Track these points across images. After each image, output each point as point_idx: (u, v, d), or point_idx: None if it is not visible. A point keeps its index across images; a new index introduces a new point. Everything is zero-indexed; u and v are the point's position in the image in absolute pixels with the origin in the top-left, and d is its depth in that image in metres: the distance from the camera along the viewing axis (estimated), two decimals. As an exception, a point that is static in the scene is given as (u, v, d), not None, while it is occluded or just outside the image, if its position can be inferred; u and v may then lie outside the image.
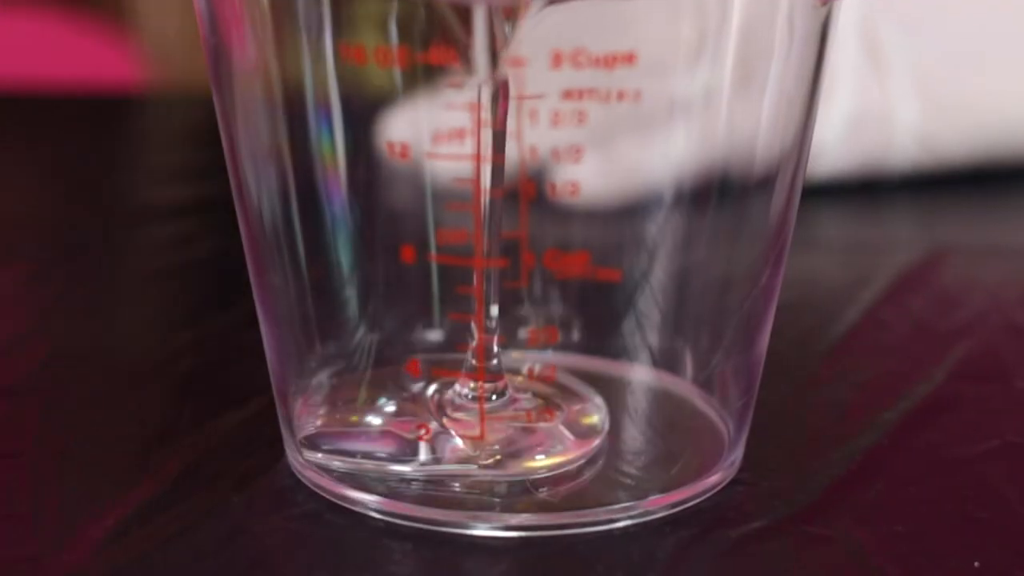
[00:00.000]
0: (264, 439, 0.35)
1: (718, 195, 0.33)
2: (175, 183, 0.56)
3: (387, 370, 0.32)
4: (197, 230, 0.51)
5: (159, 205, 0.54)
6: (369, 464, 0.32)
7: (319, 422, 0.33)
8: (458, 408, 0.32)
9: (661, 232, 0.34)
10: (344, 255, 0.34)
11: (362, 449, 0.32)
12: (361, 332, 0.34)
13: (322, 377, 0.32)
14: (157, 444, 0.35)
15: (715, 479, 0.33)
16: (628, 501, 0.32)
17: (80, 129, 0.65)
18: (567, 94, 0.30)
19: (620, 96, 0.30)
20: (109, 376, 0.39)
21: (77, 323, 0.43)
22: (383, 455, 0.32)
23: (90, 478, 0.34)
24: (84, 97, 0.70)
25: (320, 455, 0.32)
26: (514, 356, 0.33)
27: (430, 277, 0.34)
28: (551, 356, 0.32)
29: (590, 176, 0.31)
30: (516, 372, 0.33)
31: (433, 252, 0.34)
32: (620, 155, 0.33)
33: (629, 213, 0.34)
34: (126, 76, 0.88)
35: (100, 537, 0.31)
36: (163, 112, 0.71)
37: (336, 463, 0.32)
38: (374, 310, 0.34)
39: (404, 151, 0.31)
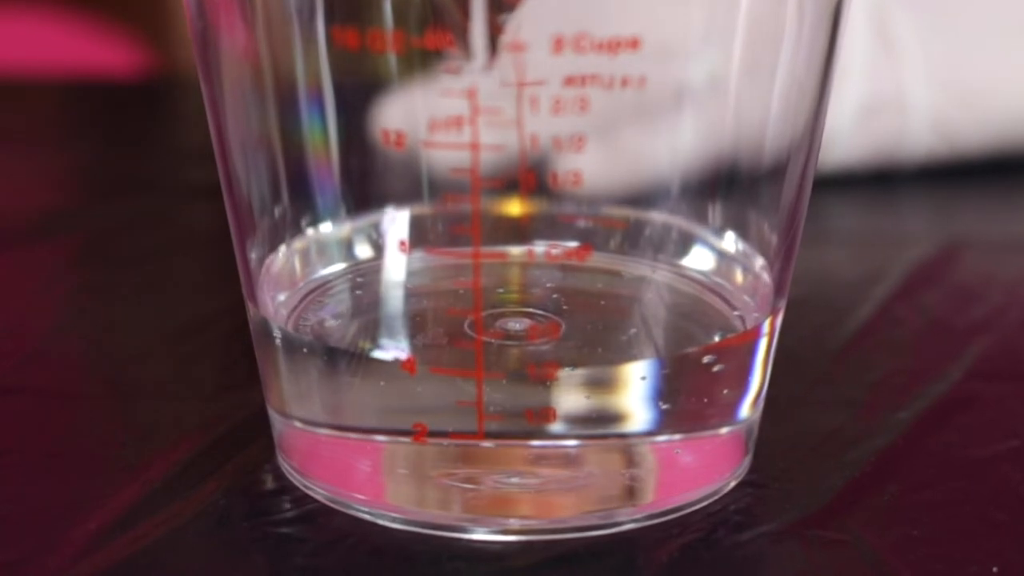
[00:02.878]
0: (254, 437, 0.35)
1: (726, 186, 0.33)
2: (190, 166, 0.56)
3: (381, 367, 0.32)
4: (189, 218, 0.51)
5: (150, 194, 0.54)
6: (361, 465, 0.32)
7: (309, 419, 0.33)
8: (456, 407, 0.32)
9: (666, 224, 0.34)
10: (337, 248, 0.34)
11: (352, 448, 0.32)
12: (355, 327, 0.33)
13: (313, 372, 0.32)
14: (144, 443, 0.35)
15: (723, 481, 0.33)
16: (632, 503, 0.32)
17: (80, 115, 0.65)
18: (569, 80, 0.30)
19: (624, 82, 0.30)
20: (96, 370, 0.39)
21: (64, 315, 0.43)
22: (375, 455, 0.32)
23: (74, 480, 0.34)
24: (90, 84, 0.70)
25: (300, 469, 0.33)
26: (514, 352, 0.33)
27: (427, 270, 0.34)
28: (552, 353, 0.32)
29: (593, 166, 0.31)
30: (516, 369, 0.33)
31: (429, 244, 0.34)
32: (624, 144, 0.33)
33: (633, 204, 0.34)
34: (139, 64, 0.89)
35: (84, 542, 0.31)
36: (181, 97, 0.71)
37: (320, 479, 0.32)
38: (368, 304, 0.34)
39: (399, 140, 0.31)
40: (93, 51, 0.89)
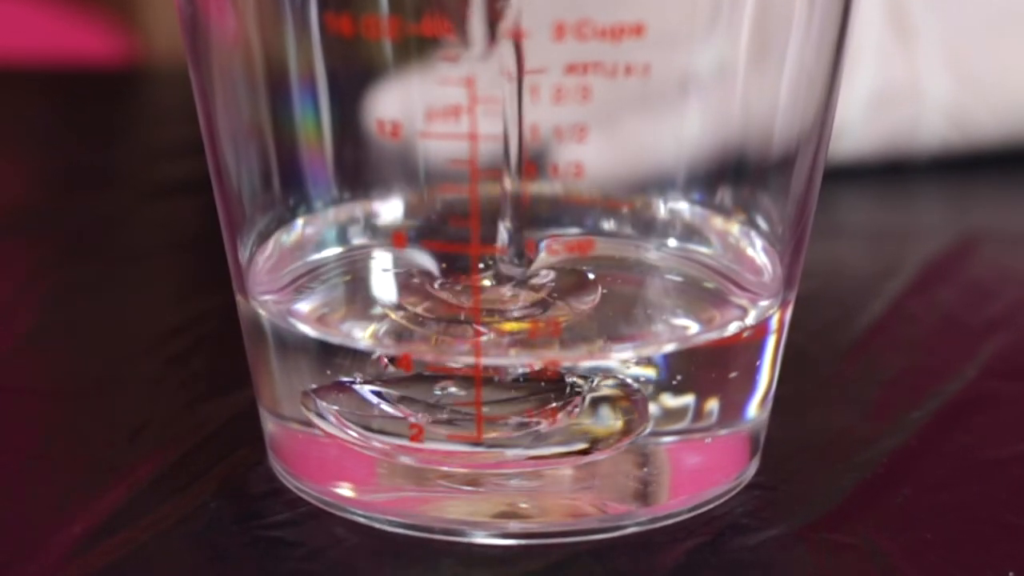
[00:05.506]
0: (246, 437, 0.35)
1: (733, 178, 0.33)
2: (170, 161, 0.56)
3: (376, 365, 0.32)
4: (187, 210, 0.51)
5: (143, 186, 0.54)
6: (356, 466, 0.32)
7: (301, 419, 0.33)
8: (454, 407, 0.32)
9: (671, 217, 0.34)
10: (329, 240, 0.34)
11: (347, 449, 0.32)
12: (348, 323, 0.33)
13: (305, 369, 0.32)
14: (131, 444, 0.35)
15: (730, 483, 0.33)
16: (636, 505, 0.32)
17: (66, 104, 0.65)
18: (571, 68, 0.30)
19: (628, 71, 0.30)
20: (80, 369, 0.39)
21: (46, 312, 0.43)
22: (369, 455, 0.32)
23: (58, 482, 0.34)
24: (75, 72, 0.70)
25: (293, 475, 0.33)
26: (514, 349, 0.33)
27: (423, 264, 0.34)
28: (554, 351, 0.32)
29: (595, 157, 0.31)
30: (515, 366, 0.33)
31: (426, 238, 0.34)
32: (627, 134, 0.33)
33: (639, 196, 0.34)
34: (115, 51, 0.89)
35: (68, 546, 0.31)
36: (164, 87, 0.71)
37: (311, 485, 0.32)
38: (362, 300, 0.34)
39: (395, 130, 0.31)
40: (66, 36, 0.89)
